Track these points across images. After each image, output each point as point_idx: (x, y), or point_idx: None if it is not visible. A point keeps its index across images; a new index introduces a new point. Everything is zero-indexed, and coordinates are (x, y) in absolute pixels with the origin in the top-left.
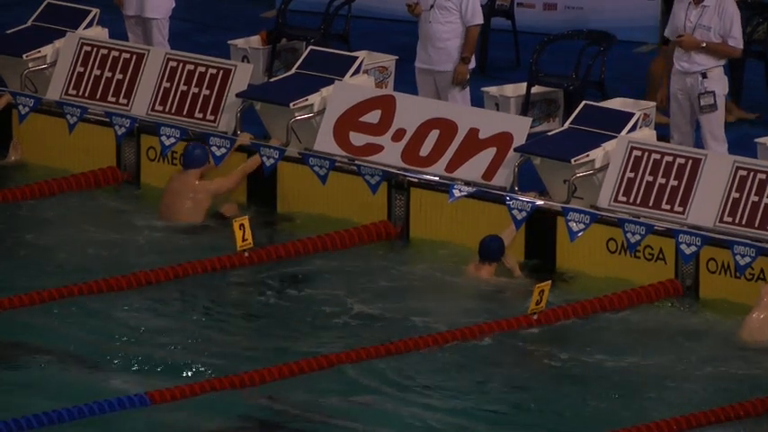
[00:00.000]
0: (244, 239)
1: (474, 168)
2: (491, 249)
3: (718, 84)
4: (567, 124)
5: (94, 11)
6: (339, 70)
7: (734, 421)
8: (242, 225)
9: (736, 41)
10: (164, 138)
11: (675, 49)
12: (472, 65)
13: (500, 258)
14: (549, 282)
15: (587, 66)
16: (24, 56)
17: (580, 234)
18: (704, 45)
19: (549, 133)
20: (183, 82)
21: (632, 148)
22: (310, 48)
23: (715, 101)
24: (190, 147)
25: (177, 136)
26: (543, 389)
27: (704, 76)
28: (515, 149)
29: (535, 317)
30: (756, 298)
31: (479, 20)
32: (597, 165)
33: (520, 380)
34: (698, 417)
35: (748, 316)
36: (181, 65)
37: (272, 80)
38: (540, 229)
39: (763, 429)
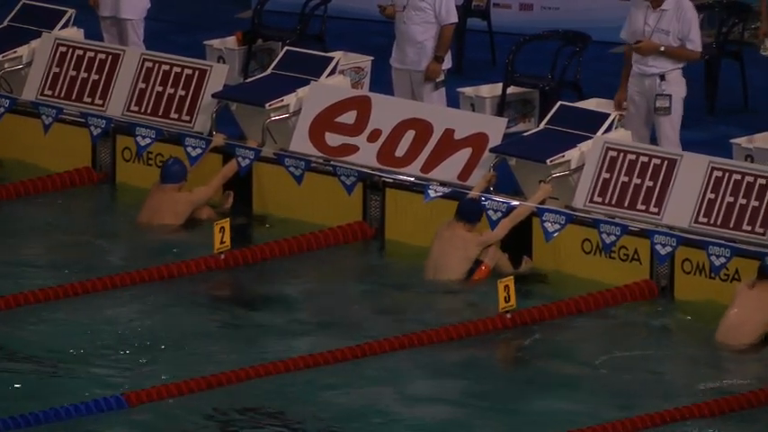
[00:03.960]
0: (222, 242)
1: (449, 169)
2: (470, 209)
3: (677, 87)
4: (542, 125)
5: (70, 11)
6: (315, 71)
7: (707, 419)
8: (222, 228)
9: (695, 45)
10: (139, 138)
11: (633, 53)
12: (448, 65)
13: (477, 221)
14: (512, 276)
15: (563, 66)
16: (0, 56)
17: (555, 234)
18: (662, 49)
19: (525, 134)
20: (158, 82)
21: (608, 149)
22: (286, 48)
23: (671, 104)
24: (169, 162)
25: (153, 136)
26: (515, 390)
27: (662, 78)
28: (491, 150)
29: (509, 315)
30: (731, 298)
31: (454, 19)
32: (573, 165)
33: (491, 382)
34: (672, 413)
35: (724, 316)
36: (156, 65)
37: (247, 81)
38: (516, 229)
39: (739, 428)
